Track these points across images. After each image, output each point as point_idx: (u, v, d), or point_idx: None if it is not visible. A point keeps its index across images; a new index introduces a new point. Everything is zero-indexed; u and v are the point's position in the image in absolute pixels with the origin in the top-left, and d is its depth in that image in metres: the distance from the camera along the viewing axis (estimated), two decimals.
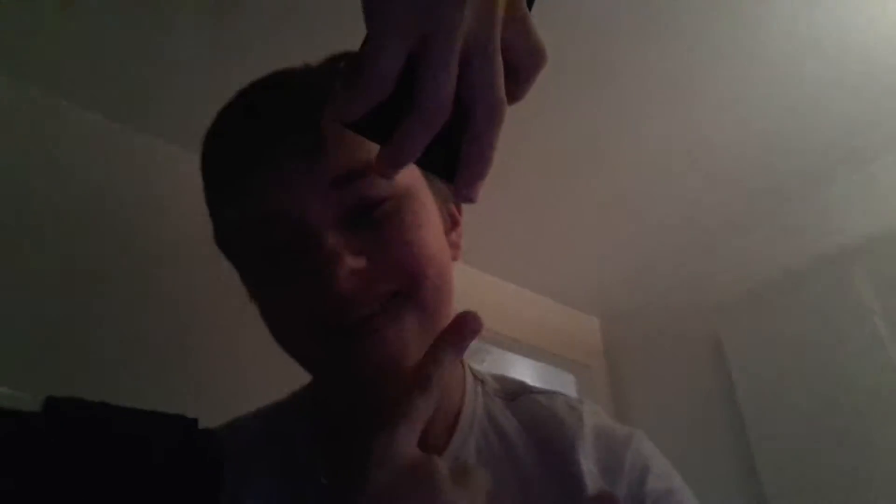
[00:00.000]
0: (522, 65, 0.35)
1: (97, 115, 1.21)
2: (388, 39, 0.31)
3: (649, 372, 1.93)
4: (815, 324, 1.52)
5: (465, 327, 0.39)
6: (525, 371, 1.94)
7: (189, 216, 1.29)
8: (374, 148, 0.39)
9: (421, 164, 0.35)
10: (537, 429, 0.55)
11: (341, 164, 0.45)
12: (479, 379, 0.61)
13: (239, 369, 1.12)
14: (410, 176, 0.49)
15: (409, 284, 0.46)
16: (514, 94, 0.36)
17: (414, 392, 0.37)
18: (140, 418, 0.51)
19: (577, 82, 1.30)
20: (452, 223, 0.58)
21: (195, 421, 0.51)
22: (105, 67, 1.14)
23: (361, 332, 0.45)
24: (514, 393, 0.60)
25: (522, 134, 1.37)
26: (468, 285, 1.88)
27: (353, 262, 0.43)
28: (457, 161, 0.34)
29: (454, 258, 0.56)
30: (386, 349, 0.44)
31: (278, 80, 0.50)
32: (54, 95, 1.17)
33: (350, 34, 0.48)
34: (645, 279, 2.00)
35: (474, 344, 0.62)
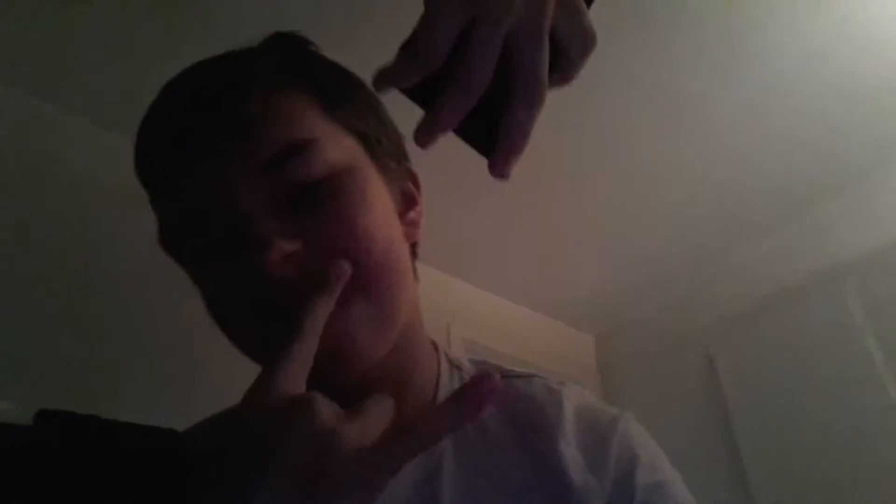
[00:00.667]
0: (573, 48, 0.38)
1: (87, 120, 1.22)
2: (441, 18, 0.35)
3: (643, 389, 1.93)
4: (807, 342, 1.53)
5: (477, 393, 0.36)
6: None
7: None
8: (307, 124, 0.44)
9: (462, 134, 0.38)
10: (515, 416, 0.52)
11: (271, 145, 0.43)
12: (455, 365, 0.58)
13: (238, 370, 1.11)
14: (350, 154, 0.46)
15: (350, 266, 0.42)
16: (565, 75, 0.39)
17: (291, 336, 0.36)
18: (130, 432, 0.51)
19: (568, 103, 1.32)
20: (408, 202, 0.54)
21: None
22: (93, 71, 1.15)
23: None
24: None
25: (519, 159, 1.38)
26: (465, 301, 1.90)
27: (286, 246, 0.41)
28: (495, 137, 0.37)
29: (411, 238, 0.52)
30: (330, 336, 0.40)
31: (203, 67, 0.47)
32: (52, 103, 1.18)
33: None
34: (639, 297, 2.01)
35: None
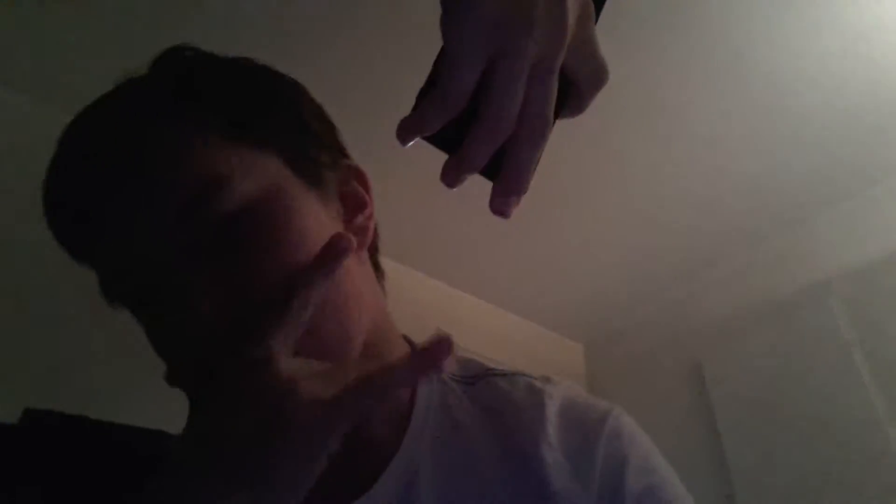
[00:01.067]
0: (585, 83, 0.37)
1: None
2: (467, 57, 0.33)
3: (631, 398, 1.93)
4: (794, 352, 1.54)
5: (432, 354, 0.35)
6: None
7: None
8: (213, 159, 0.40)
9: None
10: (496, 417, 0.49)
11: (177, 192, 0.39)
12: None
13: None
14: (268, 177, 0.42)
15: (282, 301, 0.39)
16: (576, 109, 0.39)
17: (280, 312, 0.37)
18: (117, 432, 0.51)
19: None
20: (356, 206, 0.49)
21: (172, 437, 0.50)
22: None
23: (246, 368, 0.37)
24: (474, 376, 0.54)
25: None
26: (456, 308, 1.91)
27: (212, 300, 0.38)
28: (499, 166, 0.36)
29: (362, 245, 0.49)
30: (278, 382, 0.37)
31: (96, 117, 0.43)
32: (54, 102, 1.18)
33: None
34: (629, 307, 2.02)
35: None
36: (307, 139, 0.47)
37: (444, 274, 1.82)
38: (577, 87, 0.37)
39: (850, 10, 1.18)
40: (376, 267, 0.53)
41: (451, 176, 0.36)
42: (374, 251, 0.52)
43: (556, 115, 0.36)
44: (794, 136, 1.45)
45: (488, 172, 0.36)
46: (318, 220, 0.44)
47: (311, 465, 0.33)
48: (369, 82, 1.14)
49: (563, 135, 1.57)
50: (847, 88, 1.34)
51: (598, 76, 0.38)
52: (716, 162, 1.51)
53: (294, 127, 0.46)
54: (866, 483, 1.31)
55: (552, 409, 0.49)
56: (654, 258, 1.82)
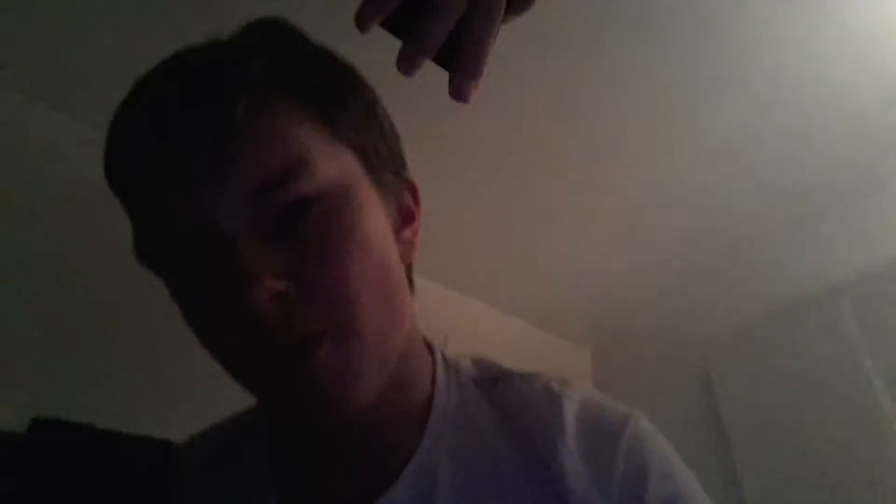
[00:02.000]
0: None
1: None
2: None
3: (639, 403, 1.90)
4: (803, 360, 1.53)
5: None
6: None
7: None
8: (300, 142, 0.40)
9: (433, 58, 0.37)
10: (514, 421, 0.48)
11: (260, 168, 0.39)
12: (452, 367, 0.54)
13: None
14: (345, 171, 0.43)
15: (340, 322, 0.39)
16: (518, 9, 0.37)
17: None
18: (125, 442, 0.51)
19: (566, 117, 1.33)
20: (405, 219, 0.49)
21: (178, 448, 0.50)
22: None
23: (293, 361, 0.39)
24: (493, 378, 0.53)
25: (516, 171, 1.39)
26: (462, 314, 1.90)
27: (274, 285, 0.37)
28: (455, 52, 0.36)
29: (407, 259, 0.48)
30: (321, 380, 0.39)
31: (184, 66, 0.42)
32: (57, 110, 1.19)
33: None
34: (637, 313, 2.01)
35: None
36: (382, 143, 0.47)
37: (451, 280, 1.81)
38: None
39: (856, 12, 1.17)
40: (410, 282, 0.51)
41: (407, 62, 0.36)
42: (409, 267, 0.51)
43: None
44: (803, 139, 1.44)
45: (443, 59, 0.36)
46: (379, 224, 0.44)
47: None
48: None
49: (571, 138, 1.57)
50: (857, 90, 1.33)
51: None
52: (725, 166, 1.50)
53: (373, 128, 0.47)
54: (877, 488, 1.30)
55: (570, 414, 0.48)
56: (663, 263, 1.81)
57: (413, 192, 0.51)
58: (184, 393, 1.10)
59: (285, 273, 0.38)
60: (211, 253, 0.39)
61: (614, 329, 2.09)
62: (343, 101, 0.45)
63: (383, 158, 0.47)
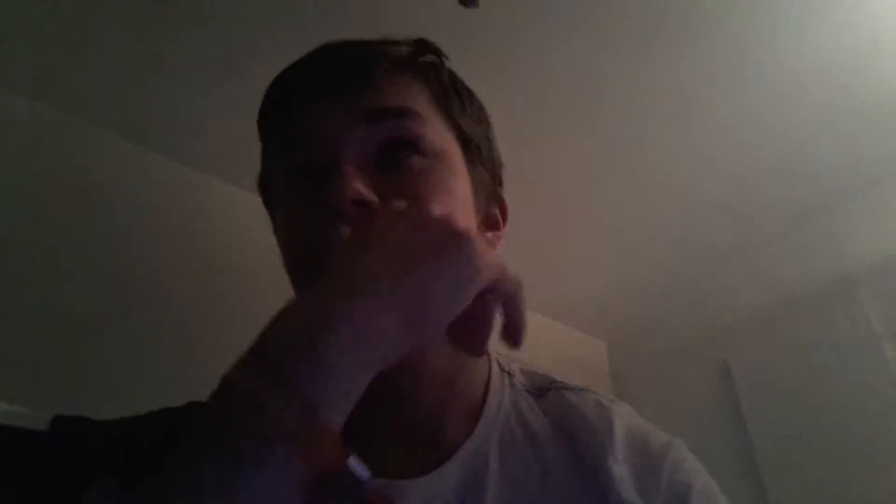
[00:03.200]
0: None
1: (114, 134, 1.25)
2: None
3: (656, 396, 1.91)
4: (823, 348, 1.51)
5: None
6: None
7: (187, 228, 1.31)
8: (417, 102, 0.49)
9: None
10: (566, 427, 0.51)
11: (380, 101, 0.47)
12: (505, 370, 0.58)
13: None
14: (447, 146, 0.49)
15: None
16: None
17: None
18: (143, 426, 0.51)
19: (577, 110, 1.32)
20: (489, 224, 0.56)
21: None
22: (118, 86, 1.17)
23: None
24: (543, 388, 0.57)
25: (527, 161, 1.38)
26: None
27: (362, 190, 0.42)
28: None
29: None
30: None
31: (343, 42, 0.52)
32: (69, 114, 1.20)
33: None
34: (652, 303, 2.00)
35: None
36: (487, 145, 0.55)
37: None
38: None
39: (872, 4, 1.16)
40: None
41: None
42: None
43: None
44: (819, 128, 1.42)
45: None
46: (465, 205, 0.50)
47: (464, 290, 0.34)
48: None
49: (587, 130, 1.57)
50: (871, 79, 1.31)
51: None
52: (739, 156, 1.48)
53: (478, 133, 0.54)
54: None
55: (619, 428, 0.51)
56: (678, 253, 1.80)
57: (502, 209, 0.58)
58: (184, 393, 1.11)
59: (377, 194, 0.43)
60: (319, 158, 0.46)
61: (630, 320, 2.07)
62: (461, 101, 0.53)
63: (483, 157, 0.54)
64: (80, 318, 1.08)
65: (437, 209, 0.40)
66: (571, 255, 1.78)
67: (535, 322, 2.10)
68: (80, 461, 0.46)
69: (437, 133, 0.49)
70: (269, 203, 0.55)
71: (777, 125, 1.41)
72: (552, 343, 1.98)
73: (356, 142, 0.45)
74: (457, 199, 0.48)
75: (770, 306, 1.71)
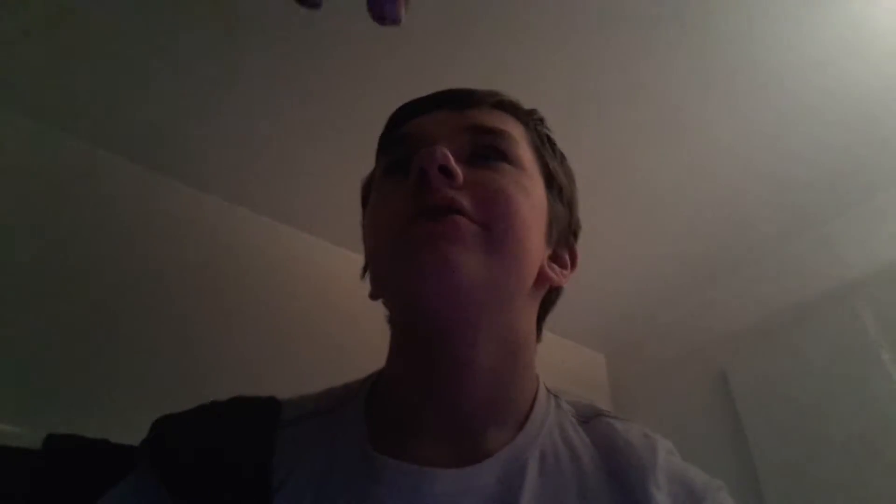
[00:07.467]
0: None
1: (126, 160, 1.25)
2: None
3: (655, 408, 1.91)
4: (821, 357, 1.51)
5: None
6: None
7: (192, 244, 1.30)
8: (512, 130, 0.55)
9: None
10: (609, 452, 0.52)
11: (480, 120, 0.53)
12: (552, 394, 0.60)
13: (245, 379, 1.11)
14: (534, 170, 0.55)
15: (491, 222, 0.47)
16: None
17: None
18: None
19: (573, 121, 1.33)
20: (555, 257, 0.60)
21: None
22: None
23: (435, 216, 0.46)
24: (588, 415, 0.59)
25: None
26: None
27: (450, 159, 0.47)
28: None
29: (540, 286, 0.57)
30: (444, 263, 0.44)
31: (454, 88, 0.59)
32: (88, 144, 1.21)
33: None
34: (650, 315, 2.00)
35: None
36: (569, 188, 0.62)
37: None
38: None
39: (867, 17, 1.17)
40: (539, 330, 0.62)
41: None
42: (544, 314, 0.62)
43: None
44: (815, 139, 1.43)
45: None
46: (537, 223, 0.54)
47: None
48: (375, 87, 1.14)
49: (582, 145, 1.57)
50: (867, 91, 1.32)
51: None
52: (736, 167, 1.49)
53: (562, 173, 0.61)
54: None
55: (663, 458, 0.52)
56: (675, 265, 1.80)
57: (573, 256, 0.65)
58: (183, 394, 1.11)
59: (464, 179, 0.48)
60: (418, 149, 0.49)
61: (628, 332, 2.07)
62: (552, 149, 0.61)
63: (563, 196, 0.60)
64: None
65: (514, 202, 0.49)
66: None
67: None
68: (75, 479, 0.45)
69: (528, 158, 0.55)
70: (364, 203, 0.60)
71: (773, 138, 1.42)
72: (551, 356, 1.98)
73: (454, 144, 0.50)
74: (534, 205, 0.52)
75: (767, 316, 1.71)
